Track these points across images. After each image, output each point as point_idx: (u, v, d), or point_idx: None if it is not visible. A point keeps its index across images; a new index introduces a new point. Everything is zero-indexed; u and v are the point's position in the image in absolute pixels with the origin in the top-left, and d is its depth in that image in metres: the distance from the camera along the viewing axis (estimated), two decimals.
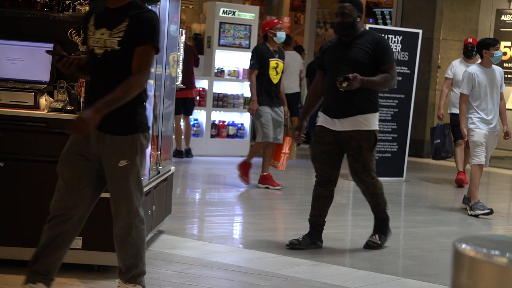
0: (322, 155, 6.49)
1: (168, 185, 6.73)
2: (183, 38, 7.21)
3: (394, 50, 11.27)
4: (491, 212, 8.64)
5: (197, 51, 13.19)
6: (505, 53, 15.25)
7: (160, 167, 6.35)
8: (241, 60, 13.41)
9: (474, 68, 8.76)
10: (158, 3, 5.74)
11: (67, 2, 5.72)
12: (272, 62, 9.69)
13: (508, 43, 15.23)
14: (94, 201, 4.59)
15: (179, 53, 7.06)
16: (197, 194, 10.00)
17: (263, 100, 9.67)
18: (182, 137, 12.62)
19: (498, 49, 8.77)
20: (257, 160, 10.48)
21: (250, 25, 13.45)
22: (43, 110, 5.47)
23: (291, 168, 12.52)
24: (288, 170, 12.32)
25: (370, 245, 6.71)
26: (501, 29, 15.32)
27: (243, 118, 13.51)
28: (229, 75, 13.38)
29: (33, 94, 5.50)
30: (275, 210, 8.41)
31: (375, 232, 6.77)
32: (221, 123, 13.35)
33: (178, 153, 12.44)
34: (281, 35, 9.74)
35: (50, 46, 5.72)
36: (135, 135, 4.43)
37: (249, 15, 13.49)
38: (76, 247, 5.28)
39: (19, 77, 5.70)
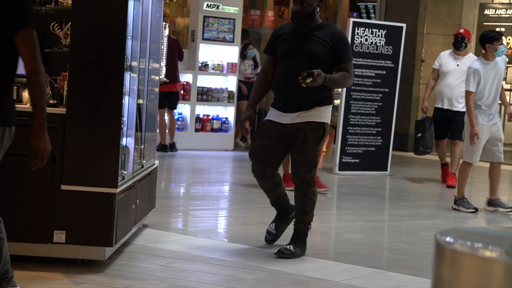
0: (259, 150, 6.07)
1: (152, 179, 6.71)
2: (166, 32, 7.19)
3: (378, 44, 11.29)
4: (475, 211, 8.62)
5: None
6: None
7: (144, 161, 6.34)
8: (225, 54, 13.40)
9: (477, 64, 8.43)
10: None
11: None
12: None
13: None
14: None
15: (162, 47, 7.04)
16: (181, 188, 9.99)
17: None
18: (167, 131, 12.59)
19: (502, 43, 8.52)
20: None
21: (234, 19, 13.43)
22: (26, 104, 5.44)
23: None
24: None
25: (283, 252, 5.98)
26: (484, 23, 15.36)
27: (228, 112, 13.50)
28: (213, 69, 13.35)
29: (16, 88, 5.47)
30: (260, 204, 8.40)
31: (292, 242, 6.07)
32: (205, 117, 13.33)
33: (163, 147, 12.41)
34: None
35: None
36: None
37: (233, 9, 13.47)
38: (59, 241, 5.27)
39: None
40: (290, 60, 6.03)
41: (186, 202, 8.88)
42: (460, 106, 10.23)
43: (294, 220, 6.15)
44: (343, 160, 11.21)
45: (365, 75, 11.18)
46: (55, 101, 5.39)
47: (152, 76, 6.66)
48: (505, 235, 2.04)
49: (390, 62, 11.40)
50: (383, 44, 11.34)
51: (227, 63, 13.36)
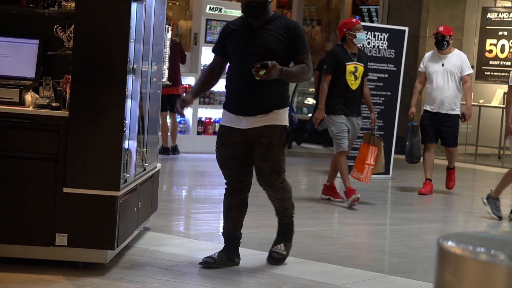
0: (231, 161, 5.65)
1: (154, 182, 6.72)
2: (169, 35, 7.19)
3: (380, 47, 11.29)
4: (499, 219, 8.30)
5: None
6: (490, 51, 15.31)
7: (146, 164, 6.34)
8: None
9: None
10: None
11: None
12: (350, 66, 8.72)
13: (494, 41, 15.28)
14: None
15: (165, 50, 7.04)
16: (183, 191, 9.99)
17: (337, 108, 8.68)
18: (169, 134, 12.59)
19: None
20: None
21: None
22: (28, 107, 5.45)
23: None
24: None
25: (274, 258, 5.82)
26: (487, 27, 15.37)
27: None
28: None
29: (19, 91, 5.48)
30: (261, 207, 8.39)
31: (280, 240, 5.89)
32: (207, 120, 13.34)
33: (165, 150, 12.41)
34: (361, 36, 8.82)
35: (35, 42, 5.70)
36: None
37: (236, 12, 13.47)
38: (61, 244, 5.27)
39: (4, 73, 5.68)
40: (243, 58, 5.58)
41: (188, 205, 8.88)
42: (451, 110, 9.82)
43: (276, 215, 5.93)
44: None
45: (367, 79, 11.17)
46: (58, 104, 5.39)
47: (155, 79, 6.66)
48: (507, 240, 2.04)
49: (393, 66, 11.41)
50: (386, 48, 11.34)
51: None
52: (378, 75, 11.30)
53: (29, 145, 5.30)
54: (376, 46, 11.24)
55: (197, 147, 13.11)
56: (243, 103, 5.60)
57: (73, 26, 5.44)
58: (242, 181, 5.72)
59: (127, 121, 5.58)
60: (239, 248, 5.84)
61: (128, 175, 5.62)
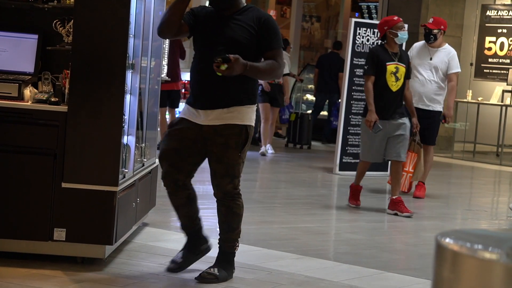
0: (171, 154, 5.18)
1: (153, 177, 6.72)
2: None
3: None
4: None
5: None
6: (489, 49, 15.31)
7: (145, 160, 6.34)
8: None
9: None
10: None
11: None
12: (390, 67, 8.22)
13: (493, 39, 15.29)
14: None
15: (164, 45, 7.03)
16: None
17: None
18: None
19: None
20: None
21: None
22: (27, 101, 5.44)
23: (275, 161, 12.52)
24: (273, 164, 12.34)
25: (203, 277, 5.20)
26: (486, 24, 15.38)
27: None
28: None
29: (17, 85, 5.48)
30: (259, 203, 8.40)
31: (216, 265, 5.30)
32: None
33: None
34: (403, 35, 8.36)
35: (34, 37, 5.70)
36: None
37: None
38: (60, 239, 5.28)
39: (3, 68, 5.67)
40: (206, 48, 5.12)
41: None
42: (432, 105, 9.24)
43: (219, 238, 5.35)
44: (343, 160, 11.22)
45: None
46: (57, 99, 5.39)
47: (154, 75, 6.66)
48: (505, 237, 2.04)
49: None
50: None
51: None
52: None
53: (28, 140, 5.29)
54: (375, 43, 11.23)
55: None
56: (202, 95, 5.14)
57: (72, 21, 5.44)
58: (176, 180, 5.25)
59: (126, 117, 5.58)
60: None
61: (126, 170, 5.62)
